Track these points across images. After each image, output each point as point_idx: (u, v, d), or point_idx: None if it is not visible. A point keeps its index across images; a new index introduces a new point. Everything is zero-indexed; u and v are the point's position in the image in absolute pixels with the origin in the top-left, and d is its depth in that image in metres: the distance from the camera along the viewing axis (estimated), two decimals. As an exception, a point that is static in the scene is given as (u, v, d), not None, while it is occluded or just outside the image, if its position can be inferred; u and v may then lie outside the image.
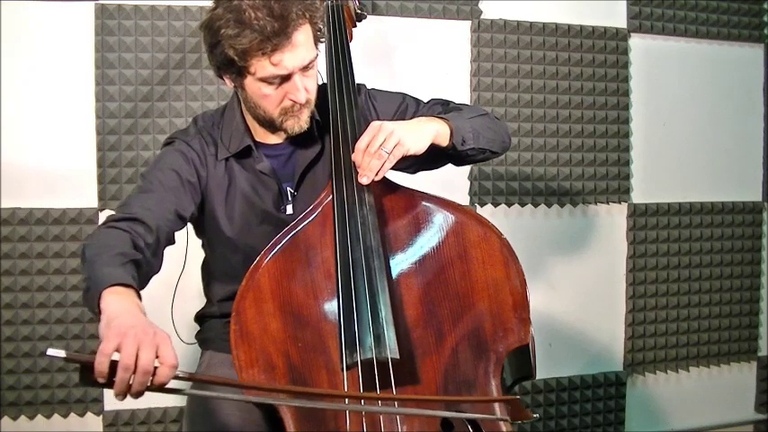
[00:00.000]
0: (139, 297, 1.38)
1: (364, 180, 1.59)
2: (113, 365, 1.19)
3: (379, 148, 1.57)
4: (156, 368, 1.20)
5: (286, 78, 1.61)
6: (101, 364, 1.18)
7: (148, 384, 1.20)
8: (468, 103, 2.81)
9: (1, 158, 2.41)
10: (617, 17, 2.99)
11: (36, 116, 2.44)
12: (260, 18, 1.53)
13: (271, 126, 1.73)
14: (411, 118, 1.80)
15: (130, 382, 1.19)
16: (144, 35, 2.50)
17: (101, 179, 2.50)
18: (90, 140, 2.49)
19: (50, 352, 1.17)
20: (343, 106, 1.77)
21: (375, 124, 1.60)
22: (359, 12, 2.13)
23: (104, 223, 1.57)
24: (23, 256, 2.45)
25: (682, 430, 3.17)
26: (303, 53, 1.60)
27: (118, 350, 1.19)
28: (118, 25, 2.48)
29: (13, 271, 2.44)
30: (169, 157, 1.72)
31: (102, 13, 2.46)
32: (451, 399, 1.49)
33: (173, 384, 1.23)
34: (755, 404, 3.31)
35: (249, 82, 1.63)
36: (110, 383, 1.20)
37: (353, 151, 1.63)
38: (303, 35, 1.59)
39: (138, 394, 1.21)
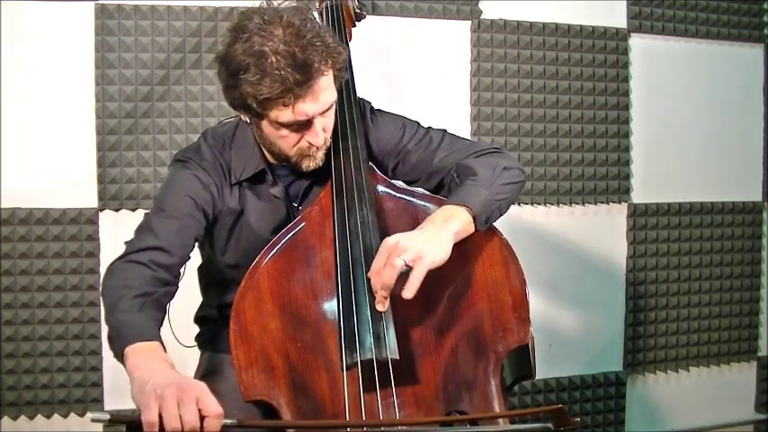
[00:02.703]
0: (163, 344, 1.40)
1: (379, 307, 1.46)
2: (162, 427, 1.20)
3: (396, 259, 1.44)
4: (203, 420, 1.21)
5: (305, 123, 1.55)
6: None
7: None
8: (468, 103, 2.82)
9: (1, 158, 2.41)
10: (617, 17, 2.99)
11: (36, 116, 2.45)
12: (282, 67, 1.45)
13: (285, 161, 1.68)
14: (408, 144, 1.76)
15: None
16: (144, 35, 2.50)
17: (101, 179, 2.50)
18: (90, 140, 2.49)
19: (93, 416, 1.20)
20: (342, 107, 1.76)
21: (390, 243, 1.47)
22: (358, 11, 2.12)
23: (125, 254, 1.56)
24: (23, 256, 2.45)
25: (682, 430, 3.17)
26: (324, 99, 1.53)
27: (161, 413, 1.20)
28: (118, 25, 2.48)
29: (13, 271, 2.44)
30: (186, 182, 1.66)
31: (102, 13, 2.46)
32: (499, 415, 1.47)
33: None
34: (755, 404, 3.31)
35: (266, 124, 1.57)
36: None
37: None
38: (325, 81, 1.52)
39: None
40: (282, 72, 1.45)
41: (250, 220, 1.71)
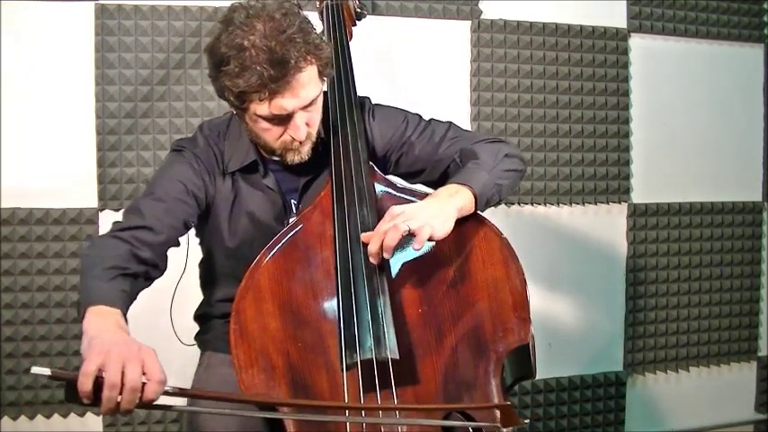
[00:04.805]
0: (125, 316, 1.39)
1: (372, 260, 1.50)
2: (99, 384, 1.18)
3: (399, 223, 1.47)
4: (143, 384, 1.19)
5: (286, 117, 1.57)
6: (83, 385, 1.17)
7: (137, 402, 1.19)
8: (468, 103, 2.82)
9: (1, 158, 2.41)
10: (617, 17, 2.99)
11: (36, 116, 2.44)
12: (260, 62, 1.47)
13: (272, 154, 1.70)
14: (412, 136, 1.78)
15: (118, 400, 1.18)
16: (144, 35, 2.50)
17: (101, 179, 2.50)
18: (90, 140, 2.49)
19: (35, 370, 1.16)
20: (343, 106, 1.77)
21: (395, 211, 1.51)
22: (359, 11, 2.13)
23: (110, 231, 1.57)
24: (23, 256, 2.45)
25: (682, 430, 3.17)
26: (304, 94, 1.54)
27: (102, 369, 1.18)
28: (118, 25, 2.48)
29: (13, 271, 2.44)
30: (178, 168, 1.69)
31: (102, 13, 2.46)
32: (445, 407, 1.46)
33: (164, 400, 1.22)
34: (755, 404, 3.31)
35: (247, 117, 1.60)
36: (96, 402, 1.18)
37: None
38: (306, 77, 1.53)
39: (126, 412, 1.20)
40: (258, 67, 1.47)
41: (246, 208, 1.73)
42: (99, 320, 1.32)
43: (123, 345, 1.23)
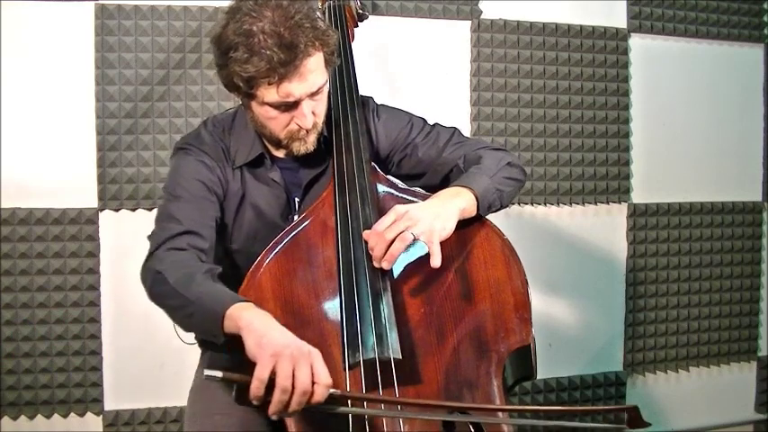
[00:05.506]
0: None
1: (376, 264, 1.51)
2: (269, 386, 1.21)
3: (405, 231, 1.49)
4: (313, 385, 1.22)
5: (293, 104, 1.58)
6: (257, 390, 1.21)
7: (305, 404, 1.22)
8: (468, 103, 2.82)
9: (1, 158, 2.41)
10: (617, 17, 3.00)
11: (36, 116, 2.44)
12: (269, 46, 1.49)
13: (277, 145, 1.70)
14: (416, 138, 1.79)
15: (287, 402, 1.21)
16: (144, 35, 2.50)
17: (101, 179, 2.49)
18: (90, 140, 2.49)
19: (207, 372, 1.20)
20: (345, 106, 1.77)
21: (400, 210, 1.52)
22: (360, 12, 2.13)
23: (161, 243, 1.55)
24: (23, 256, 2.44)
25: (682, 430, 3.17)
26: (312, 80, 1.56)
27: (274, 371, 1.21)
28: (118, 25, 2.48)
29: (13, 271, 2.44)
30: (192, 168, 1.68)
31: (102, 13, 2.46)
32: (569, 410, 1.46)
33: None
34: (755, 404, 3.31)
35: (255, 105, 1.60)
36: (265, 403, 1.22)
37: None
38: (313, 63, 1.54)
39: (294, 413, 1.23)
40: (268, 51, 1.49)
41: (252, 202, 1.73)
42: (256, 316, 1.33)
43: (294, 347, 1.25)
